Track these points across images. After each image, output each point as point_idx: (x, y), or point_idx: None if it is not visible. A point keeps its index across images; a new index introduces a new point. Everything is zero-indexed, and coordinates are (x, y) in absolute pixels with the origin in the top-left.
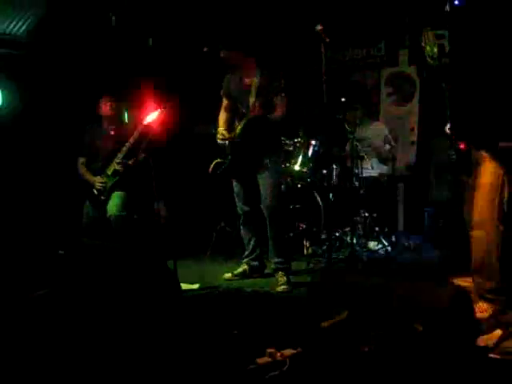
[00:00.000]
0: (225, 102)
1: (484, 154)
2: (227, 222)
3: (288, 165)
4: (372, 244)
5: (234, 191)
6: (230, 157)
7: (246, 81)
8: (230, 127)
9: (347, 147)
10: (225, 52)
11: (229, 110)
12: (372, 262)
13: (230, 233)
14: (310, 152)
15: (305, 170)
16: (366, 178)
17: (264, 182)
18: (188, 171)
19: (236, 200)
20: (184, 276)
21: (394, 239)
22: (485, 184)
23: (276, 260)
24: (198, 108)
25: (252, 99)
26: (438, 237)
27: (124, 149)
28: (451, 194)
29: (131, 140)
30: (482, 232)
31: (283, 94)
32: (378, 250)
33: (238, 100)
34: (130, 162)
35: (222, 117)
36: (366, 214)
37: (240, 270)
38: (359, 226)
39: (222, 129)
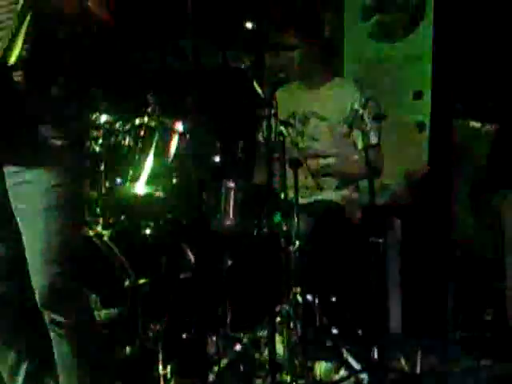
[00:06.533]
0: None
1: None
2: None
3: (119, 180)
4: (323, 368)
5: None
6: None
7: None
8: None
9: (260, 137)
10: None
11: None
12: None
13: None
14: (172, 150)
15: (158, 192)
16: (307, 209)
17: (34, 201)
18: None
19: None
20: None
21: (375, 355)
22: None
23: None
24: None
25: None
26: (482, 340)
27: None
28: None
29: None
30: None
31: None
32: (340, 382)
33: None
34: None
35: None
36: (309, 298)
37: None
38: (291, 325)
39: None
